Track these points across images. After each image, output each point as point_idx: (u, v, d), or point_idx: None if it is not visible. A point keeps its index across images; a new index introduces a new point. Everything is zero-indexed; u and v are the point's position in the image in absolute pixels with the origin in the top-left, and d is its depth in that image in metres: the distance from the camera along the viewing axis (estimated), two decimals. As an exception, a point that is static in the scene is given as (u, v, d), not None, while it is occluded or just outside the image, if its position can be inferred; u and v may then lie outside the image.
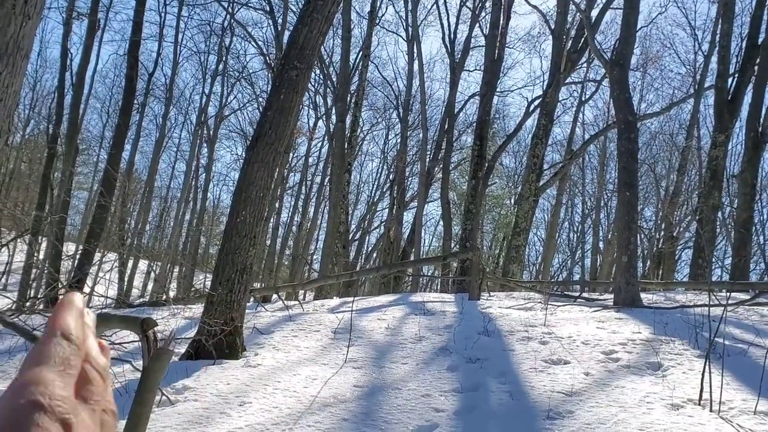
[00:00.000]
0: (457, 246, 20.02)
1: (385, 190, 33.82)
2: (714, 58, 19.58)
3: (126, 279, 25.19)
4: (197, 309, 9.31)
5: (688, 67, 26.67)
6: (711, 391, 4.68)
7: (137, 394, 3.53)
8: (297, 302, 11.33)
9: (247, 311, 8.15)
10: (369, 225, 35.28)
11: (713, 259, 25.22)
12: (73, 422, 0.30)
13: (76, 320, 0.35)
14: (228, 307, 6.71)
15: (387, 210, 30.30)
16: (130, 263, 25.97)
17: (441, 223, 26.50)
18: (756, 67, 15.11)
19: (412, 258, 22.53)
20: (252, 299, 11.78)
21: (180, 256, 29.40)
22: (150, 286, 30.01)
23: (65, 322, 0.35)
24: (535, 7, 22.02)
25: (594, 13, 19.50)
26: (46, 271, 14.62)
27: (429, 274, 29.80)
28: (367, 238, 35.95)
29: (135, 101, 19.22)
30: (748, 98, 15.38)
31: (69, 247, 20.47)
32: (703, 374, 4.83)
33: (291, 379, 5.74)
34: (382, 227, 31.61)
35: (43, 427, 0.28)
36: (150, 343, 3.75)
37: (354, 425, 4.58)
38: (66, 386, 0.31)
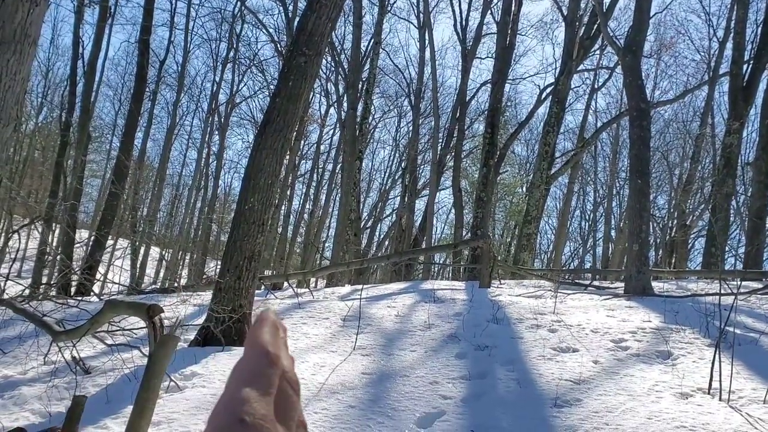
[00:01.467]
0: (469, 234, 19.98)
1: (396, 177, 33.79)
2: (729, 45, 19.34)
3: (138, 266, 25.38)
4: (207, 296, 9.34)
5: (702, 53, 26.35)
6: (721, 380, 4.64)
7: (143, 379, 3.55)
8: (307, 290, 11.36)
9: (256, 298, 8.17)
10: (381, 213, 35.28)
11: (727, 248, 25.04)
12: None
13: (272, 336, 0.36)
14: (236, 294, 6.73)
15: (399, 198, 30.26)
16: (142, 250, 26.13)
17: (453, 210, 26.44)
18: (772, 54, 14.91)
19: (423, 246, 22.51)
20: (262, 287, 11.81)
21: (191, 244, 29.55)
22: (162, 273, 30.22)
23: (263, 339, 0.36)
24: (547, -7, 21.80)
25: (607, -1, 19.28)
26: (58, 258, 14.72)
27: (440, 261, 29.79)
28: (379, 225, 35.98)
29: (146, 89, 19.29)
30: (763, 85, 15.23)
31: (82, 234, 20.61)
32: (713, 363, 4.79)
33: (299, 366, 5.75)
34: (394, 215, 31.59)
35: None
36: (156, 330, 3.76)
37: (361, 412, 4.59)
38: (267, 404, 0.33)
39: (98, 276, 15.50)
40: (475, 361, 5.77)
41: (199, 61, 66.43)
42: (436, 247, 21.74)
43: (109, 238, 16.67)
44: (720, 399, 4.50)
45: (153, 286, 22.69)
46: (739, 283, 8.87)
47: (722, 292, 6.81)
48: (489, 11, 23.17)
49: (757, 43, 16.23)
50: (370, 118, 25.28)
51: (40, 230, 15.69)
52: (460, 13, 24.23)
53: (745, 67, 15.79)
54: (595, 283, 12.59)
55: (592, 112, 28.89)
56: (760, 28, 17.01)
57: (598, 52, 24.21)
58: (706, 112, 23.69)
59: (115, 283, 12.15)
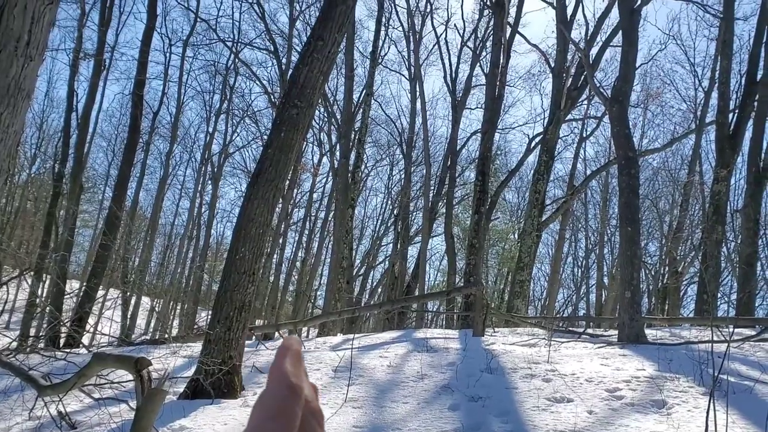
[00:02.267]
0: (462, 280, 19.93)
1: (389, 225, 33.87)
2: (714, 94, 19.73)
3: (129, 316, 25.10)
4: (197, 347, 9.24)
5: (688, 103, 26.85)
6: (716, 430, 4.59)
7: (130, 435, 3.49)
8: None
9: (247, 349, 8.09)
10: (373, 260, 35.21)
11: (720, 295, 25.04)
12: None
13: (295, 366, 0.37)
14: (226, 345, 6.66)
15: (391, 245, 30.29)
16: (133, 301, 25.90)
17: (445, 257, 26.43)
18: (755, 103, 15.21)
19: (416, 293, 22.42)
20: (253, 337, 11.69)
21: (182, 294, 29.32)
22: (153, 324, 29.89)
23: (286, 369, 0.36)
24: (534, 46, 22.31)
25: (593, 51, 19.75)
26: (48, 310, 14.58)
27: (433, 309, 29.61)
28: (372, 273, 35.88)
29: (140, 139, 19.42)
30: (749, 133, 15.46)
31: (73, 285, 20.46)
32: (707, 412, 4.74)
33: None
34: (387, 262, 31.54)
35: None
36: (144, 383, 3.71)
37: (352, 466, 4.50)
38: None
39: (88, 327, 15.31)
40: (469, 413, 5.70)
41: (193, 112, 67.22)
42: (428, 295, 21.66)
43: (100, 288, 16.52)
44: (716, 449, 4.45)
45: (143, 337, 22.40)
46: (731, 330, 8.86)
47: (715, 339, 6.80)
48: (478, 64, 23.71)
49: (742, 92, 16.57)
50: (363, 166, 25.53)
51: (30, 282, 15.56)
52: (450, 65, 24.76)
53: (730, 116, 16.09)
54: (589, 330, 12.53)
55: (581, 161, 29.23)
56: (743, 79, 17.41)
57: (585, 102, 24.64)
58: (694, 160, 23.99)
59: (105, 335, 12.00)
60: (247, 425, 0.34)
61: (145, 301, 30.23)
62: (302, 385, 0.37)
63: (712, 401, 4.74)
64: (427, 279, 28.31)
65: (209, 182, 30.45)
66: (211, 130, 29.88)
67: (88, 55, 17.62)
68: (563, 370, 7.06)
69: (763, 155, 14.97)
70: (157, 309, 28.09)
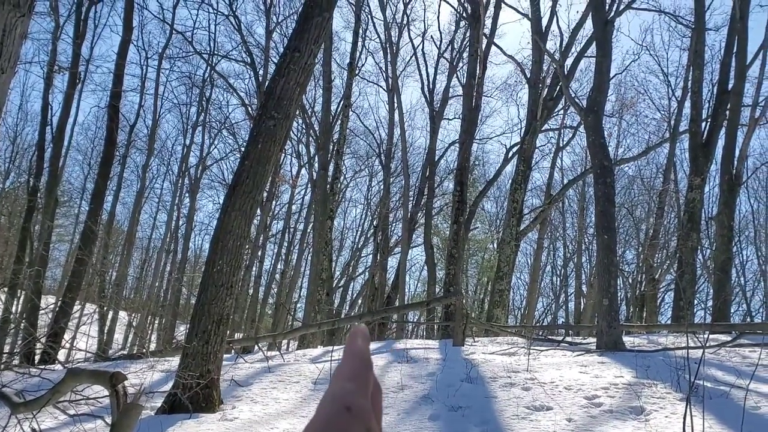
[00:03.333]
0: (442, 290, 19.95)
1: (369, 236, 33.82)
2: (687, 104, 20.02)
3: (106, 331, 24.76)
4: (175, 361, 9.13)
5: (662, 112, 27.21)
6: (693, 435, 4.64)
7: (105, 451, 3.43)
8: (278, 353, 11.17)
9: (225, 363, 8.02)
10: (353, 271, 35.13)
11: (696, 301, 25.33)
12: (373, 428, 0.37)
13: (364, 343, 0.42)
14: (204, 359, 6.59)
15: (371, 256, 30.26)
16: (110, 315, 25.56)
17: (425, 267, 26.45)
18: (727, 112, 15.47)
19: (396, 304, 22.39)
20: (232, 351, 11.59)
21: (160, 307, 29.00)
22: (131, 338, 29.50)
23: (359, 345, 0.42)
24: (510, 57, 22.50)
25: (568, 61, 19.97)
26: (22, 326, 14.34)
27: (414, 320, 29.59)
28: (352, 284, 35.77)
29: (116, 153, 19.24)
30: (722, 142, 15.72)
31: (48, 300, 20.14)
32: (684, 418, 4.79)
33: (269, 432, 5.61)
34: (367, 273, 31.48)
35: (352, 429, 0.35)
36: (119, 398, 3.66)
37: (332, 479, 4.46)
38: (366, 399, 0.39)
39: (63, 343, 15.08)
40: (449, 423, 5.69)
41: (170, 124, 66.74)
42: (408, 306, 21.64)
43: (76, 303, 16.28)
44: (693, 454, 4.49)
45: (121, 352, 22.10)
46: (707, 336, 8.96)
47: (691, 345, 6.87)
48: (455, 75, 23.85)
49: (714, 101, 16.86)
50: (342, 177, 25.51)
51: (4, 298, 15.30)
52: (427, 77, 24.88)
53: (703, 124, 16.34)
54: (568, 338, 12.60)
55: (558, 170, 29.47)
56: (715, 88, 17.71)
57: (561, 112, 24.89)
58: (669, 169, 24.31)
59: (81, 350, 11.83)
60: (329, 386, 0.40)
61: (123, 315, 29.85)
62: (369, 358, 0.43)
63: (688, 407, 4.79)
64: (407, 289, 28.34)
65: (186, 195, 30.23)
66: (188, 142, 29.70)
67: (62, 68, 17.44)
68: (542, 379, 7.09)
69: (735, 163, 15.22)
70: (134, 323, 27.76)
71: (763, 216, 30.38)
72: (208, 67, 26.36)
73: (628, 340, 10.70)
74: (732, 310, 19.67)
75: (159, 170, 33.56)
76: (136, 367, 9.04)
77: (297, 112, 10.45)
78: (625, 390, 6.37)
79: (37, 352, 13.35)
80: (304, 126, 27.26)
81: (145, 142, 28.94)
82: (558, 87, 19.04)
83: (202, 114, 29.05)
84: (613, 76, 20.84)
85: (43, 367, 9.83)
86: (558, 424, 5.43)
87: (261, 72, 23.08)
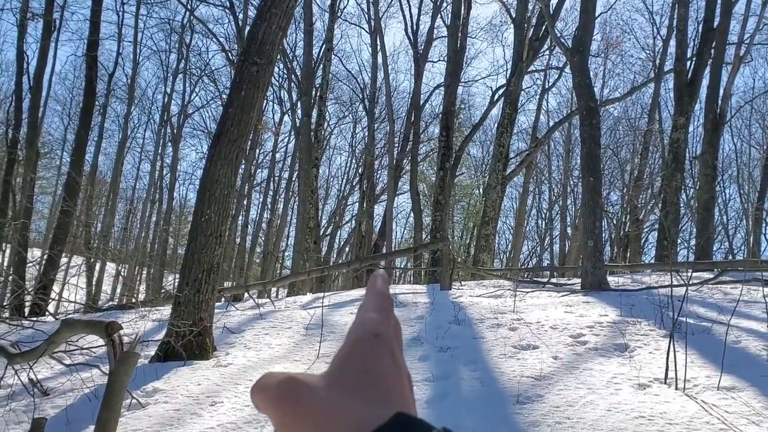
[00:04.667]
0: (428, 237, 20.10)
1: (354, 183, 33.77)
2: (672, 42, 19.90)
3: (94, 283, 24.81)
4: (166, 311, 9.21)
5: (647, 51, 27.06)
6: (676, 370, 4.79)
7: (104, 398, 3.50)
8: (269, 300, 11.28)
9: (217, 311, 8.09)
10: (340, 219, 35.21)
11: (679, 240, 25.73)
12: (397, 354, 0.40)
13: (384, 284, 0.47)
14: (196, 307, 6.65)
15: (357, 204, 30.28)
16: (98, 267, 25.57)
17: (412, 214, 26.57)
18: (712, 51, 15.39)
19: (384, 251, 22.56)
20: (222, 299, 11.68)
21: (148, 258, 29.04)
22: (119, 289, 29.61)
23: (380, 283, 0.46)
24: (496, -4, 22.13)
25: (554, 1, 19.66)
26: (10, 279, 14.32)
27: (401, 266, 29.87)
28: (339, 232, 35.91)
29: (96, 102, 18.90)
30: (706, 81, 15.68)
31: (34, 253, 20.07)
32: (668, 354, 4.94)
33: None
34: (354, 221, 31.58)
35: (380, 353, 0.39)
36: (116, 347, 3.71)
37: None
38: (389, 327, 0.42)
39: (53, 295, 15.11)
40: (438, 363, 5.83)
41: (149, 72, 65.59)
42: (396, 252, 21.82)
43: (63, 255, 16.24)
44: (676, 388, 4.64)
45: (110, 303, 22.21)
46: (690, 274, 9.14)
47: (674, 284, 7.01)
48: (439, 15, 23.43)
49: (699, 40, 16.74)
50: (325, 124, 25.30)
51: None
52: (411, 17, 24.47)
53: (688, 63, 16.26)
54: (553, 280, 12.81)
55: (544, 112, 29.44)
56: (701, 26, 17.56)
57: (547, 53, 24.67)
58: (654, 109, 24.32)
59: (71, 302, 11.86)
60: (356, 316, 0.43)
61: (111, 266, 29.88)
62: (389, 294, 0.46)
63: (672, 343, 4.93)
64: (394, 237, 28.47)
65: (169, 144, 29.91)
66: (169, 90, 29.25)
67: (36, 15, 16.93)
68: (528, 319, 7.24)
69: (719, 102, 15.24)
70: (122, 274, 27.81)
71: (746, 155, 30.65)
72: (187, 12, 25.74)
73: (612, 280, 10.91)
74: (714, 248, 19.99)
75: (140, 119, 33.15)
76: (128, 317, 9.12)
77: (278, 57, 10.28)
78: (609, 328, 6.53)
79: (27, 304, 13.38)
80: (285, 71, 26.87)
81: (125, 91, 28.46)
82: (543, 27, 18.78)
83: (182, 61, 28.54)
84: (598, 15, 20.60)
85: (35, 318, 9.89)
86: (544, 362, 5.57)
87: (241, 16, 22.58)
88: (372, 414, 0.33)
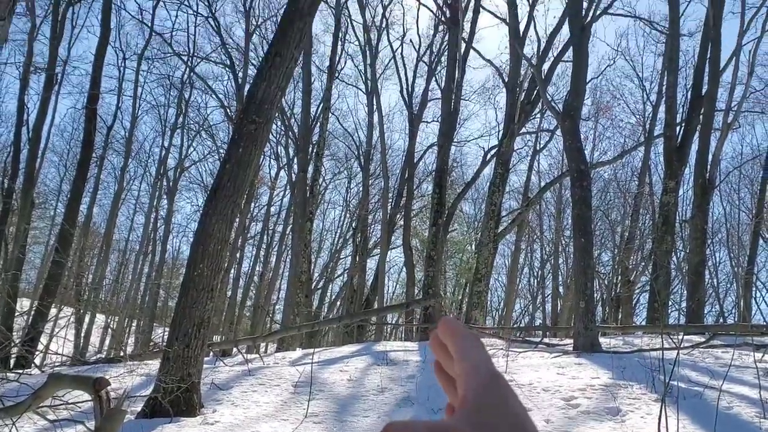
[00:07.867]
0: (421, 292, 20.04)
1: (347, 237, 33.82)
2: (662, 108, 20.34)
3: (83, 335, 24.51)
4: (154, 365, 9.11)
5: (638, 116, 27.59)
6: (667, 435, 4.75)
7: (89, 456, 3.44)
8: (257, 355, 11.17)
9: (205, 366, 8.01)
10: (332, 273, 35.12)
11: (670, 303, 25.73)
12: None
13: (462, 325, 0.50)
14: (185, 362, 6.60)
15: (350, 257, 30.26)
16: (87, 319, 25.29)
17: (404, 269, 26.53)
18: (701, 116, 15.74)
19: (375, 306, 22.44)
20: (211, 353, 11.56)
21: (138, 310, 28.76)
22: (108, 342, 29.20)
23: (457, 325, 0.50)
24: (488, 61, 22.67)
25: (545, 66, 20.18)
26: (-3, 330, 14.14)
27: (393, 321, 29.66)
28: (331, 286, 35.77)
29: (93, 154, 19.08)
30: (695, 146, 15.98)
31: (24, 303, 19.89)
32: (660, 419, 4.91)
33: (250, 435, 5.64)
34: (346, 275, 31.46)
35: (505, 385, 0.44)
36: (103, 403, 3.67)
37: (314, 481, 4.51)
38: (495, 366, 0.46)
39: (40, 347, 14.92)
40: (429, 424, 5.75)
41: (147, 126, 66.02)
42: (387, 308, 21.70)
43: (53, 307, 16.10)
44: (667, 454, 4.60)
45: (98, 356, 21.89)
46: (681, 337, 9.13)
47: (665, 346, 7.00)
48: (433, 78, 23.99)
49: (688, 106, 17.14)
50: (321, 179, 25.48)
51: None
52: (406, 80, 24.97)
53: (677, 129, 16.60)
54: (546, 340, 12.74)
55: (535, 173, 29.74)
56: (689, 93, 18.01)
57: (538, 115, 25.11)
58: (644, 172, 24.65)
59: (58, 354, 11.72)
60: (466, 356, 0.47)
61: (100, 318, 29.55)
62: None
63: (663, 407, 4.91)
64: (386, 291, 28.43)
65: (165, 197, 30.02)
66: (166, 144, 29.52)
67: (39, 68, 17.26)
68: (521, 380, 7.20)
69: (708, 167, 15.49)
70: (112, 326, 27.48)
71: (735, 219, 30.91)
72: (187, 69, 26.23)
73: (604, 341, 10.87)
74: (705, 311, 20.00)
75: (137, 172, 33.35)
76: (116, 371, 9.00)
77: (276, 114, 10.46)
78: (601, 391, 6.49)
79: (13, 356, 13.19)
80: (283, 128, 27.25)
81: (123, 143, 28.71)
82: (535, 91, 19.21)
83: (181, 116, 28.89)
84: (590, 81, 21.13)
85: (20, 372, 9.74)
86: (536, 426, 5.51)
87: (240, 74, 23.02)
88: None
